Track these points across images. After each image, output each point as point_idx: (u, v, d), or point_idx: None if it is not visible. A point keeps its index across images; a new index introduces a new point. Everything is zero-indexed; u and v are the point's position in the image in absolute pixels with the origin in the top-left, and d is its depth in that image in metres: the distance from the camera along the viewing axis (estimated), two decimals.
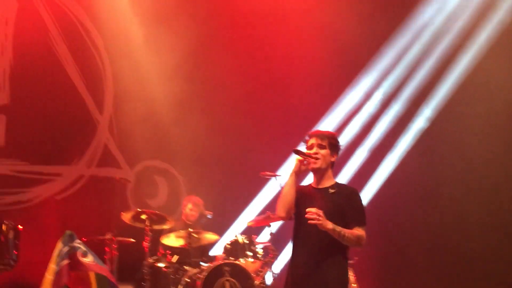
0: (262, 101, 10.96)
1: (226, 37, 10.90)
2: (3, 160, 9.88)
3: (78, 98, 10.38)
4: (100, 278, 6.62)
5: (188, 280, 8.23)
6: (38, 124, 10.05)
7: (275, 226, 9.18)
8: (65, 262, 6.73)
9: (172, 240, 8.58)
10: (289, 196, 4.66)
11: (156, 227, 8.56)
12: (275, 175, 8.98)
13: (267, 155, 10.51)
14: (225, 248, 8.69)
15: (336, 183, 4.83)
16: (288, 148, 10.22)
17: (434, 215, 10.29)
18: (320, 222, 4.45)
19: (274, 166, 9.93)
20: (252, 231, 9.03)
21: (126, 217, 8.48)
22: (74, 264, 6.60)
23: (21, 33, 9.99)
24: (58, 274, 6.64)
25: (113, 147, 10.61)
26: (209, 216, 9.25)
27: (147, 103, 10.55)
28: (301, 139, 5.20)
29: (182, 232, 8.52)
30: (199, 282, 7.93)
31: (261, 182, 9.40)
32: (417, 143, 10.66)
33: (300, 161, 4.69)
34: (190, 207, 9.20)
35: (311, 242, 4.61)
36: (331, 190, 4.74)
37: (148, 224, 8.37)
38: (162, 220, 8.59)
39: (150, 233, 8.36)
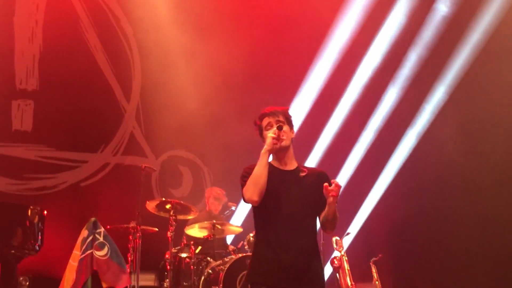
0: (289, 89, 10.88)
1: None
2: (30, 146, 9.95)
3: (106, 86, 10.43)
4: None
5: (211, 272, 8.20)
6: (65, 111, 10.12)
7: None
8: (89, 251, 6.79)
9: (196, 231, 8.55)
10: (264, 178, 4.23)
11: (180, 217, 8.53)
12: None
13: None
14: (248, 240, 8.64)
15: (300, 165, 4.55)
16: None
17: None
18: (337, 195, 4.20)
19: (301, 157, 9.87)
20: None
21: (151, 206, 8.46)
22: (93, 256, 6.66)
23: (52, 19, 10.05)
24: (82, 261, 6.70)
25: (139, 136, 10.63)
26: (233, 208, 9.22)
27: (174, 93, 10.55)
28: None
29: (206, 223, 8.47)
30: (221, 274, 7.88)
31: None
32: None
33: (274, 139, 4.30)
34: (212, 201, 9.17)
35: (295, 224, 4.28)
36: (302, 174, 4.45)
37: (172, 214, 8.33)
38: (186, 210, 8.56)
39: (174, 223, 8.32)
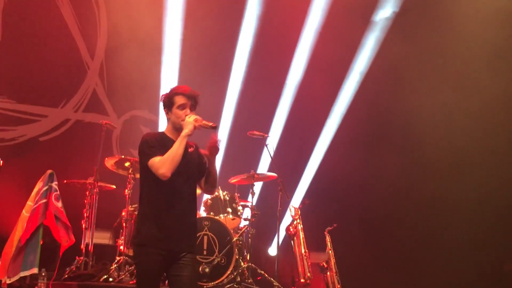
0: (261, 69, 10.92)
1: None
2: None
3: (70, 41, 10.24)
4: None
5: None
6: (27, 64, 9.92)
7: (258, 185, 9.19)
8: (43, 200, 6.72)
9: None
10: (180, 158, 4.64)
11: (139, 175, 8.48)
12: (263, 135, 8.92)
13: (254, 114, 10.52)
14: (206, 203, 8.66)
15: (189, 141, 4.90)
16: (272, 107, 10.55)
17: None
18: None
19: (262, 124, 9.98)
20: (235, 189, 8.98)
21: (110, 163, 8.41)
22: (49, 203, 6.58)
23: None
24: (34, 212, 6.63)
25: (101, 94, 10.51)
26: None
27: (139, 52, 10.39)
28: None
29: None
30: None
31: (252, 142, 9.31)
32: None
33: (195, 127, 4.74)
34: None
35: (181, 197, 4.74)
36: (190, 149, 4.90)
37: (131, 172, 8.31)
38: None
39: (132, 181, 8.30)
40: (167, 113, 4.90)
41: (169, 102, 4.86)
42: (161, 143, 4.75)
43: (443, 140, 10.07)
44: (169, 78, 10.47)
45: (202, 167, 4.97)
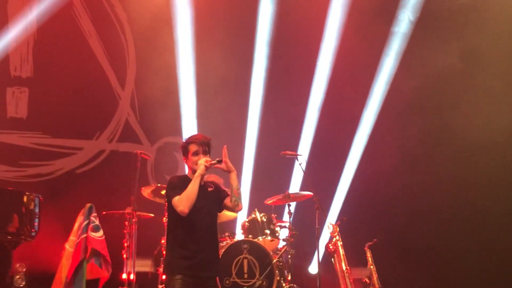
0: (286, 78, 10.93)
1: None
2: (26, 133, 9.99)
3: (100, 72, 10.44)
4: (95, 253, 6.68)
5: None
6: (60, 98, 10.14)
7: (294, 205, 9.18)
8: (84, 235, 6.83)
9: None
10: (195, 195, 5.28)
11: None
12: (296, 155, 8.94)
13: (287, 134, 10.54)
14: (243, 226, 8.68)
15: (206, 182, 5.67)
16: (298, 127, 10.53)
17: None
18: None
19: (293, 145, 10.01)
20: (271, 209, 8.99)
21: (146, 192, 8.49)
22: (88, 238, 6.68)
23: (45, 6, 9.99)
24: (77, 246, 6.74)
25: (134, 123, 10.64)
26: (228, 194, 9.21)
27: (169, 80, 10.53)
28: None
29: None
30: None
31: (282, 161, 9.35)
32: None
33: (207, 167, 5.40)
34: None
35: (205, 227, 5.40)
36: (210, 189, 5.60)
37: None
38: None
39: None
40: (185, 160, 5.58)
41: (185, 150, 5.54)
42: (184, 184, 5.37)
43: (485, 154, 9.96)
44: (189, 103, 10.62)
45: (219, 198, 5.63)
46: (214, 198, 5.58)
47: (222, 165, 5.50)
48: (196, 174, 5.35)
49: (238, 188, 5.58)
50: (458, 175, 10.10)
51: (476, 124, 10.00)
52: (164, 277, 8.00)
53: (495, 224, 9.76)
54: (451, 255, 9.90)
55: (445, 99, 10.47)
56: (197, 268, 5.28)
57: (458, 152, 10.14)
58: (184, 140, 5.62)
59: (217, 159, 5.52)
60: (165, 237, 8.20)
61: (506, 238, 9.70)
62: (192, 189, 5.26)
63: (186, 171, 5.68)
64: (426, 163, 10.35)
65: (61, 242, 7.41)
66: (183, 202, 5.24)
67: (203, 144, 5.53)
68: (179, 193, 5.29)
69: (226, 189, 5.76)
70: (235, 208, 5.59)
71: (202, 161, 5.40)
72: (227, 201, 5.59)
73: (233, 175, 5.54)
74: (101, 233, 6.80)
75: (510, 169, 9.99)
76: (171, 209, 5.37)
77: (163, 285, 7.95)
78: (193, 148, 5.51)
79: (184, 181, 5.41)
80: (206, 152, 5.52)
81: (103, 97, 10.45)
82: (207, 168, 5.41)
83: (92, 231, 6.97)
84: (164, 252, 8.07)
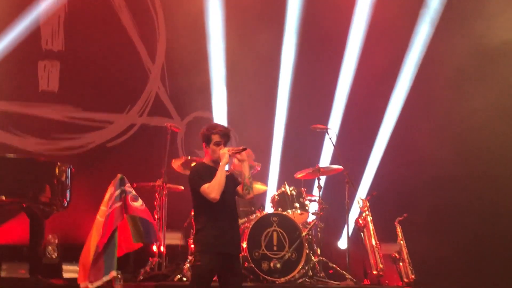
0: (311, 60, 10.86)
1: None
2: (57, 106, 10.09)
3: (130, 46, 10.47)
4: (135, 219, 6.69)
5: None
6: (91, 72, 10.22)
7: (324, 179, 9.16)
8: (118, 204, 6.83)
9: None
10: (223, 183, 5.65)
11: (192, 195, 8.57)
12: (326, 128, 8.90)
13: (318, 108, 10.48)
14: (273, 199, 8.69)
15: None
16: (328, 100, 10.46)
17: None
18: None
19: (323, 119, 9.96)
20: (301, 183, 8.98)
21: (176, 164, 8.54)
22: (125, 207, 6.68)
23: None
24: (109, 216, 6.75)
25: (164, 97, 10.67)
26: (258, 168, 9.22)
27: (199, 54, 10.51)
28: None
29: None
30: (246, 232, 7.95)
31: (312, 135, 9.31)
32: None
33: (230, 154, 5.72)
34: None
35: (230, 210, 5.78)
36: (227, 173, 5.81)
37: None
38: None
39: None
40: (205, 147, 5.86)
41: (207, 138, 5.83)
42: (208, 172, 5.74)
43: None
44: (219, 77, 10.61)
45: (236, 183, 6.01)
46: (231, 181, 5.90)
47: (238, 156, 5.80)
48: (222, 163, 5.69)
49: (250, 177, 5.89)
50: (493, 145, 9.92)
51: None
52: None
53: None
54: (483, 232, 9.78)
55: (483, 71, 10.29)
56: (225, 246, 5.66)
57: (489, 120, 9.94)
58: (205, 129, 5.89)
59: (242, 147, 5.82)
60: None
61: None
62: (221, 177, 5.64)
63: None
64: (460, 135, 10.19)
65: (93, 214, 7.42)
66: (215, 189, 5.60)
67: (225, 135, 5.84)
68: (207, 181, 5.65)
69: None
70: (246, 196, 5.93)
71: (225, 150, 5.73)
72: (239, 188, 5.93)
73: (245, 164, 5.87)
74: (140, 202, 6.83)
75: None
76: (198, 194, 5.72)
77: (192, 258, 8.05)
78: (216, 138, 5.80)
79: (206, 169, 5.80)
80: (226, 143, 5.85)
81: (133, 71, 10.48)
82: (230, 157, 5.76)
83: (133, 201, 6.97)
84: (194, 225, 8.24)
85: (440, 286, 8.72)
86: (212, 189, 5.61)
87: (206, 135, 5.84)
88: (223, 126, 5.94)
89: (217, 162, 5.77)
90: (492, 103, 9.90)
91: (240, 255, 6.16)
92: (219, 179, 5.63)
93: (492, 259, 9.64)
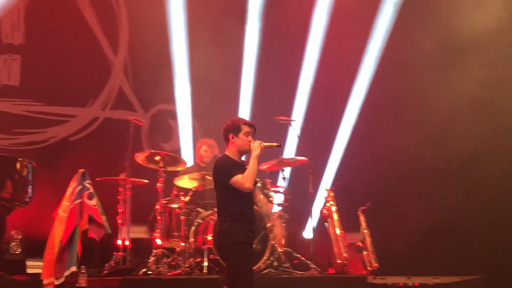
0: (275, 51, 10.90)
1: None
2: (18, 101, 9.94)
3: (92, 38, 10.35)
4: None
5: (201, 222, 8.27)
6: (53, 65, 10.09)
7: (288, 171, 9.21)
8: (78, 201, 6.84)
9: (186, 182, 8.59)
10: (256, 174, 5.72)
11: (170, 168, 8.60)
12: (290, 120, 8.94)
13: (280, 99, 10.54)
14: None
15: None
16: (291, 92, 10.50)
17: None
18: None
19: (287, 110, 10.04)
20: (265, 175, 9.01)
21: (140, 158, 8.50)
22: (83, 203, 6.70)
23: None
24: (71, 211, 6.75)
25: (127, 90, 10.59)
26: None
27: (162, 46, 10.46)
28: None
29: (195, 174, 8.53)
30: (211, 224, 7.96)
31: (276, 126, 9.35)
32: None
33: (262, 148, 5.78)
34: (205, 149, 9.16)
35: (253, 203, 5.95)
36: (247, 166, 5.84)
37: (162, 166, 8.39)
38: (175, 161, 8.62)
39: (163, 175, 8.38)
40: (232, 137, 5.80)
41: (236, 129, 5.80)
42: (236, 166, 5.74)
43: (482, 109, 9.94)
44: (182, 69, 10.56)
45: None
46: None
47: None
48: (254, 154, 5.73)
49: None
50: (455, 135, 10.05)
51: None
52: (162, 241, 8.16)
53: (496, 185, 9.76)
54: (445, 220, 9.92)
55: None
56: (254, 237, 5.90)
57: (454, 110, 10.07)
58: (231, 120, 5.91)
59: (275, 143, 5.94)
60: (159, 203, 8.32)
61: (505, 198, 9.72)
62: (254, 168, 5.69)
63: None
64: (420, 126, 10.30)
65: (54, 209, 7.43)
66: (249, 179, 5.65)
67: (254, 127, 5.90)
68: (238, 173, 5.64)
69: None
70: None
71: (257, 143, 5.78)
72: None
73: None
74: (94, 201, 6.82)
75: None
76: (226, 187, 5.70)
77: (158, 250, 8.06)
78: (246, 128, 5.82)
79: (232, 162, 5.78)
80: (253, 135, 5.89)
81: (96, 64, 10.36)
82: (261, 149, 5.80)
83: (87, 199, 6.98)
84: (159, 218, 8.24)
85: (401, 273, 8.84)
86: (247, 179, 5.64)
87: (235, 125, 5.83)
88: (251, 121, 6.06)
89: (243, 153, 5.85)
90: (460, 93, 9.96)
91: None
92: (253, 170, 5.68)
93: (452, 245, 9.79)
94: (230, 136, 5.80)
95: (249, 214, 5.76)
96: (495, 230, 9.60)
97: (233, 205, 5.73)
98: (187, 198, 8.40)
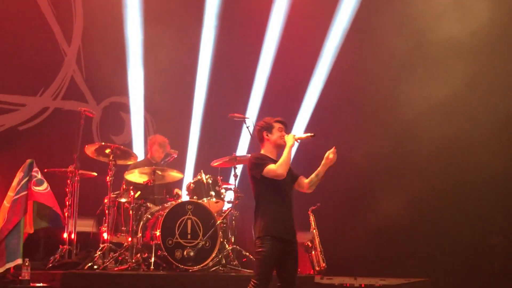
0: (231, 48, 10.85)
1: None
2: None
3: (46, 27, 10.13)
4: (40, 206, 6.57)
5: (150, 217, 8.19)
6: (2, 52, 9.82)
7: (240, 168, 9.17)
8: (24, 192, 6.68)
9: (136, 176, 8.49)
10: (289, 162, 5.89)
11: (120, 162, 8.47)
12: (244, 117, 8.91)
13: (235, 97, 10.50)
14: (189, 186, 8.65)
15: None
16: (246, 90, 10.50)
17: None
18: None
19: (242, 108, 10.02)
20: (217, 172, 8.97)
21: (90, 150, 8.35)
22: (30, 193, 6.55)
23: None
24: (15, 203, 6.59)
25: (80, 81, 10.41)
26: (174, 155, 9.17)
27: (116, 38, 10.32)
28: None
29: (146, 169, 8.44)
30: (160, 219, 7.88)
31: (230, 123, 9.31)
32: None
33: (296, 139, 6.01)
34: (156, 148, 9.08)
35: (288, 200, 5.94)
36: None
37: (112, 159, 8.26)
38: (126, 155, 8.50)
39: (113, 168, 8.25)
40: (266, 135, 6.08)
41: (269, 127, 6.09)
42: (268, 159, 5.96)
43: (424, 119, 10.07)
44: (136, 62, 10.46)
45: (292, 173, 6.10)
46: (290, 174, 6.03)
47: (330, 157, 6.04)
48: (289, 145, 5.94)
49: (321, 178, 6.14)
50: (408, 139, 10.17)
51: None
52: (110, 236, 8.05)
53: (444, 190, 9.93)
54: (393, 223, 10.02)
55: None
56: (284, 232, 5.84)
57: (411, 113, 10.20)
58: (263, 121, 6.14)
59: (310, 134, 6.10)
60: (108, 196, 8.20)
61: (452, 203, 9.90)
62: (288, 156, 5.89)
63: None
64: (372, 128, 10.41)
65: (2, 199, 7.25)
66: (282, 166, 5.82)
67: (285, 123, 6.15)
68: (270, 163, 5.85)
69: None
70: (307, 189, 6.12)
71: (291, 135, 6.03)
72: (303, 179, 6.09)
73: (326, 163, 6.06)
74: (45, 186, 6.66)
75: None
76: (260, 182, 5.88)
77: (105, 244, 7.96)
78: (278, 125, 6.08)
79: (267, 157, 5.99)
80: (286, 131, 6.13)
81: (48, 53, 10.14)
82: (295, 141, 6.03)
83: (35, 186, 6.82)
84: (107, 212, 8.13)
85: (349, 273, 8.91)
86: (280, 166, 5.83)
87: (267, 124, 6.10)
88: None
89: (279, 147, 6.03)
90: (423, 96, 10.09)
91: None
92: (286, 158, 5.87)
93: (400, 248, 9.93)
94: (264, 134, 6.09)
95: (280, 208, 5.87)
96: (442, 234, 9.79)
97: (265, 201, 5.92)
98: (137, 194, 8.29)
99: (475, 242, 9.75)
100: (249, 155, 9.00)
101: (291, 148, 5.97)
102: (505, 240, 9.84)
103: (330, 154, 6.04)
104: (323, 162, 6.06)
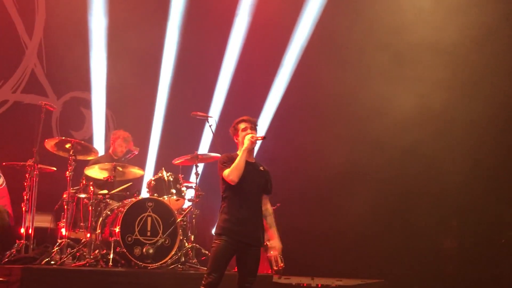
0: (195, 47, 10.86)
1: None
2: None
3: (6, 19, 9.99)
4: None
5: (109, 213, 8.13)
6: None
7: (201, 167, 9.18)
8: None
9: (96, 172, 8.42)
10: (243, 167, 5.86)
11: (80, 157, 8.37)
12: (206, 116, 8.91)
13: (198, 95, 10.49)
14: (150, 184, 8.62)
15: (257, 161, 6.18)
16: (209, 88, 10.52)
17: None
18: None
19: (205, 106, 10.00)
20: (178, 169, 8.95)
21: (50, 144, 8.23)
22: None
23: None
24: None
25: (40, 75, 10.30)
26: (135, 152, 9.12)
27: (79, 32, 10.22)
28: None
29: (107, 165, 8.37)
30: (120, 216, 7.83)
31: (192, 122, 9.31)
32: None
33: (252, 141, 5.95)
34: (119, 143, 9.02)
35: (252, 204, 5.98)
36: (261, 168, 6.13)
37: (72, 154, 8.16)
38: (86, 150, 8.41)
39: (73, 163, 8.16)
40: (236, 139, 6.14)
41: (235, 130, 6.15)
42: (232, 160, 5.94)
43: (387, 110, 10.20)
44: (99, 58, 10.39)
45: (268, 181, 6.18)
46: (263, 177, 6.10)
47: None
48: (243, 148, 5.94)
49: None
50: (368, 141, 10.29)
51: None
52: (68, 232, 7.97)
53: (401, 193, 10.08)
54: (350, 224, 10.16)
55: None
56: (242, 234, 5.88)
57: (371, 114, 10.31)
58: (231, 126, 6.17)
59: (261, 136, 6.08)
60: (67, 192, 8.11)
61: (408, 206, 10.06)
62: (240, 161, 5.86)
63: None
64: (331, 130, 10.52)
65: None
66: (233, 172, 5.82)
67: (250, 121, 6.12)
68: (228, 167, 5.88)
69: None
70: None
71: (248, 136, 5.97)
72: (265, 200, 6.18)
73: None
74: (1, 181, 6.56)
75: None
76: (223, 181, 5.98)
77: (63, 240, 7.88)
78: (242, 125, 6.10)
79: (230, 158, 6.00)
80: (253, 128, 6.12)
81: (8, 45, 10.02)
82: (252, 142, 5.98)
83: None
84: (66, 207, 8.04)
85: (306, 273, 9.00)
86: (231, 171, 5.84)
87: (233, 128, 6.14)
88: (247, 116, 6.20)
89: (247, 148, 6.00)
90: (386, 98, 10.21)
91: (261, 246, 6.22)
92: (237, 163, 5.86)
93: (357, 249, 10.07)
94: (234, 138, 6.16)
95: (239, 210, 5.90)
96: (397, 237, 9.95)
97: (225, 200, 6.01)
98: (104, 191, 8.23)
99: (429, 246, 9.97)
100: (211, 154, 9.14)
101: (245, 152, 5.94)
102: (458, 244, 10.07)
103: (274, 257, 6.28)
104: (268, 245, 6.22)
